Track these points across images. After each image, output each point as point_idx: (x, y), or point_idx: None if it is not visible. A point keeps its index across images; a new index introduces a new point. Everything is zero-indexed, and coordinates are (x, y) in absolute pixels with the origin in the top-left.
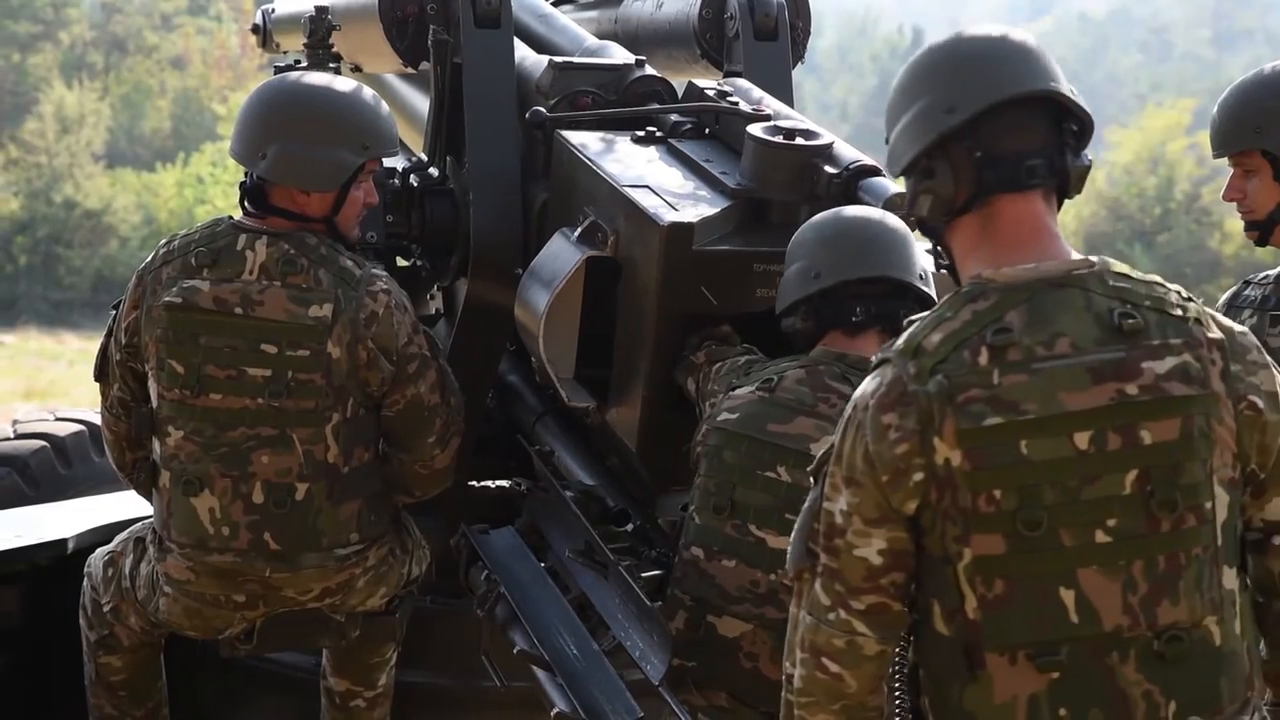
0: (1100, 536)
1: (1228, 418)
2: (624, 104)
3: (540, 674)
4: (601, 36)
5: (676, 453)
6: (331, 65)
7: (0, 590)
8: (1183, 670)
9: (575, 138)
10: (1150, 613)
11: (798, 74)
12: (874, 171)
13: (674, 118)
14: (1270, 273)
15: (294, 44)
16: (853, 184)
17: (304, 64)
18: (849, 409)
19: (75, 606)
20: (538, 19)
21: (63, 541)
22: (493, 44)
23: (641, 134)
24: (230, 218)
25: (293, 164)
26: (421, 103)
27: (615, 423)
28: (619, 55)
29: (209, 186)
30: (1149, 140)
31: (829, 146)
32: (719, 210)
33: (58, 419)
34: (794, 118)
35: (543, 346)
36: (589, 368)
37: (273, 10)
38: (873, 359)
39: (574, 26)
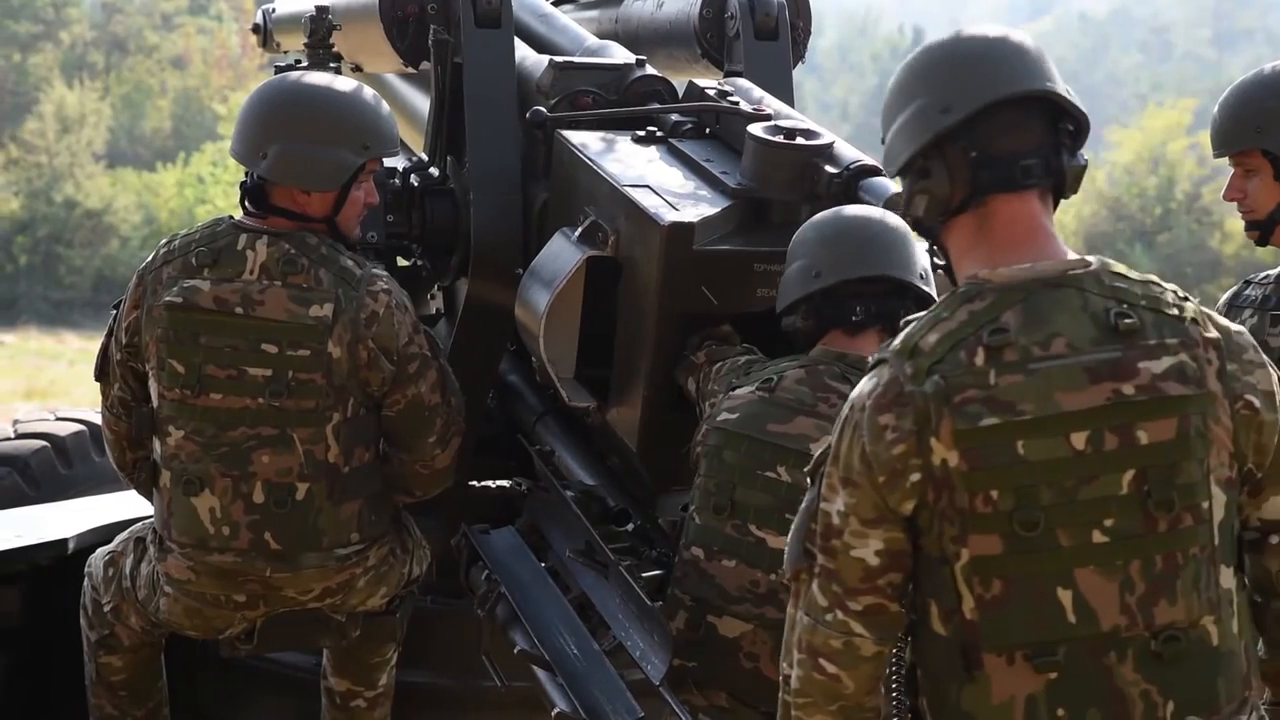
0: (1097, 536)
1: (1224, 417)
2: (624, 104)
3: (541, 674)
4: (602, 36)
5: (677, 452)
6: (332, 65)
7: (1, 590)
8: (1180, 670)
9: (576, 137)
10: (1148, 613)
11: (798, 74)
12: (874, 171)
13: (674, 117)
14: (1271, 272)
15: (294, 44)
16: (853, 184)
17: (304, 64)
18: (846, 409)
19: (76, 606)
20: (538, 19)
21: (63, 541)
22: (493, 44)
23: (642, 134)
24: (231, 217)
25: (293, 164)
26: (422, 102)
27: (616, 422)
28: (619, 55)
29: (209, 186)
30: (1149, 140)
31: (829, 146)
32: (719, 210)
33: (58, 419)
34: (794, 117)
35: (543, 346)
36: (589, 367)
37: (273, 10)
38: (870, 359)
39: (574, 26)
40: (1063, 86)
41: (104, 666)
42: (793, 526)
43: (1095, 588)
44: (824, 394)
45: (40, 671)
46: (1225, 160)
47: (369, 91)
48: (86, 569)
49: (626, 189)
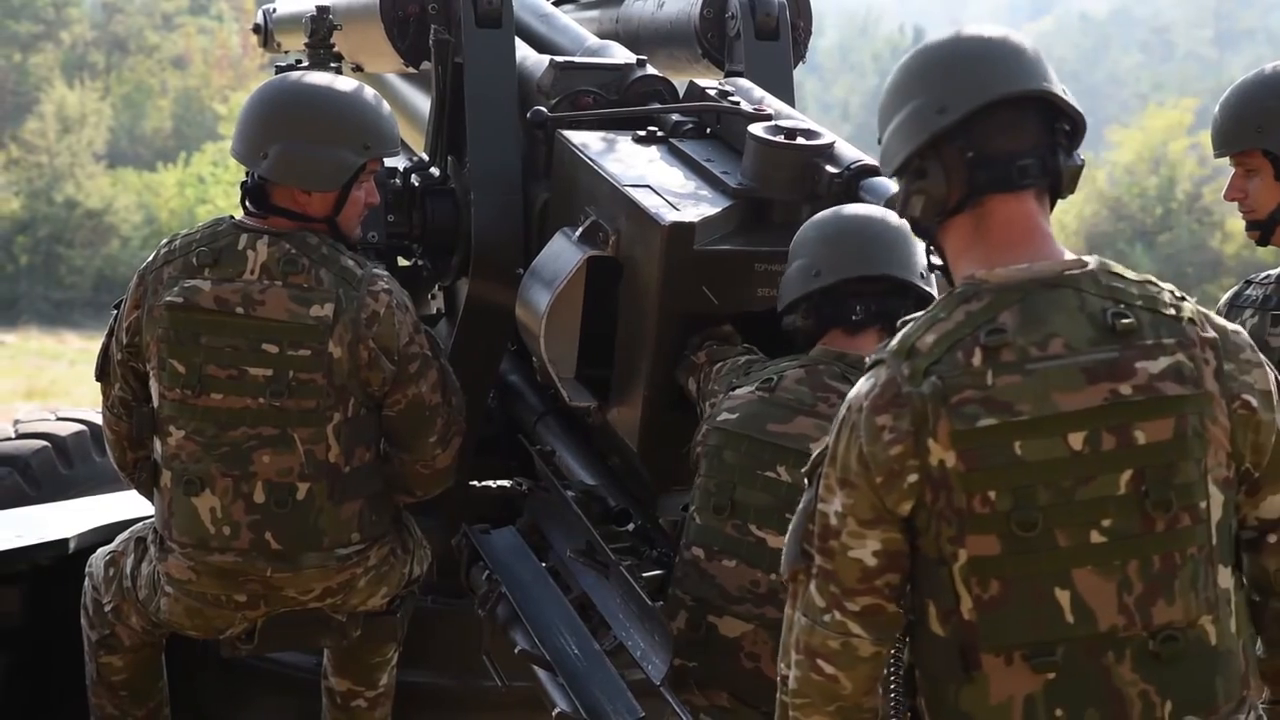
0: (1095, 537)
1: (1221, 417)
2: (625, 104)
3: (541, 674)
4: (603, 36)
5: (677, 452)
6: (333, 65)
7: (1, 590)
8: (1178, 670)
9: (576, 137)
10: (1145, 612)
11: (799, 73)
12: (875, 171)
13: (675, 117)
14: (1272, 272)
15: (295, 44)
16: (854, 183)
17: (305, 64)
18: (843, 410)
19: (76, 606)
20: (539, 19)
21: (64, 541)
22: (494, 44)
23: (643, 134)
24: (231, 217)
25: (294, 164)
26: (423, 102)
27: (616, 422)
28: (620, 55)
29: (210, 186)
30: (1150, 140)
31: (830, 146)
32: (720, 210)
33: (59, 419)
34: (795, 117)
35: (544, 346)
36: (590, 367)
37: (274, 10)
38: (867, 360)
39: (575, 26)
40: (1059, 86)
41: (105, 666)
42: (790, 527)
43: (1093, 588)
44: (824, 394)
45: (41, 671)
46: (1226, 160)
47: (370, 91)
48: (87, 569)
49: (627, 189)
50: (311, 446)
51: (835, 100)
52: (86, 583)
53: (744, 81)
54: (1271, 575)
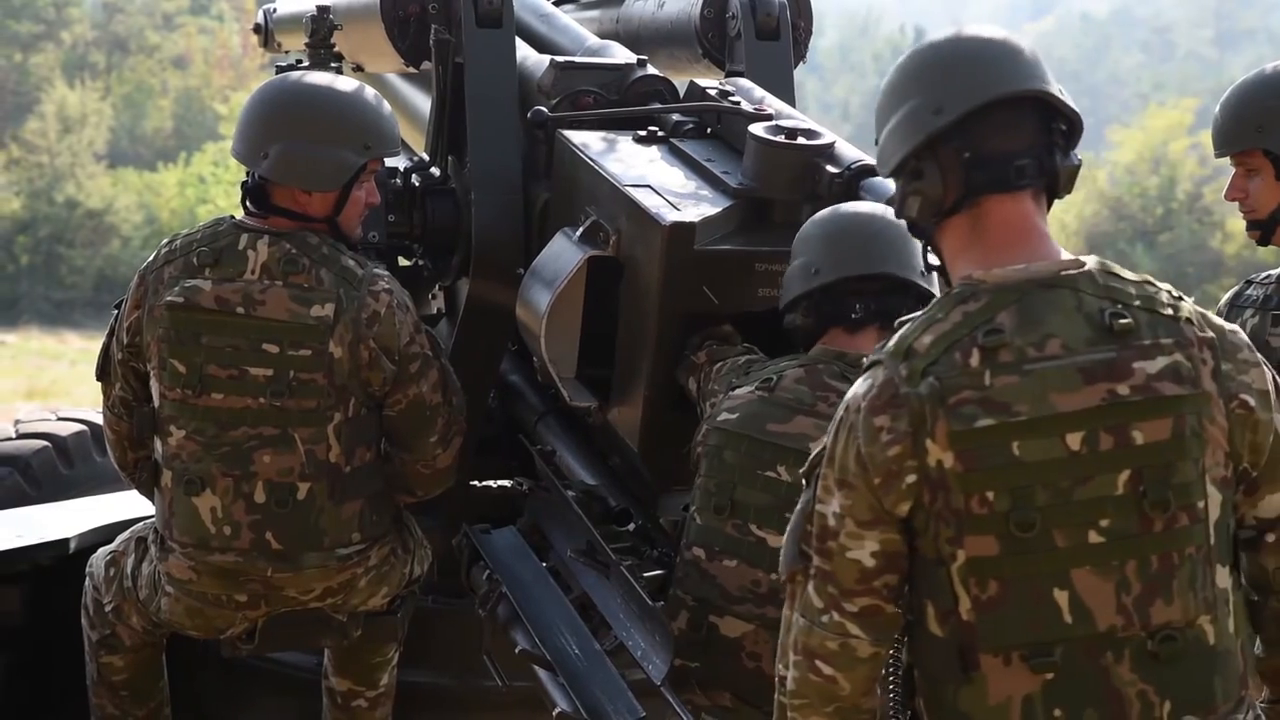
0: (1093, 537)
1: (1219, 417)
2: (626, 104)
3: (542, 674)
4: (603, 36)
5: (678, 452)
6: (333, 65)
7: (2, 590)
8: (1177, 670)
9: (577, 137)
10: (1144, 612)
11: (799, 73)
12: (876, 171)
13: (676, 117)
14: (1272, 272)
15: (296, 43)
16: (854, 183)
17: (306, 64)
18: (841, 411)
19: (77, 606)
20: (539, 19)
21: (64, 541)
22: (494, 44)
23: (643, 134)
24: (232, 217)
25: (295, 164)
26: (423, 102)
27: (617, 422)
28: (621, 55)
29: (211, 186)
30: (1151, 140)
31: (831, 146)
32: (721, 210)
33: (59, 419)
34: (796, 117)
35: (544, 346)
36: (591, 367)
37: (274, 10)
38: (864, 360)
39: (575, 26)
40: (1055, 86)
41: (105, 666)
42: (788, 528)
43: (1091, 588)
44: (823, 393)
45: (41, 671)
46: (1227, 160)
47: (370, 91)
48: (88, 569)
49: (628, 189)
50: (312, 446)
51: (836, 100)
52: (87, 583)
53: (744, 81)
54: (1270, 574)
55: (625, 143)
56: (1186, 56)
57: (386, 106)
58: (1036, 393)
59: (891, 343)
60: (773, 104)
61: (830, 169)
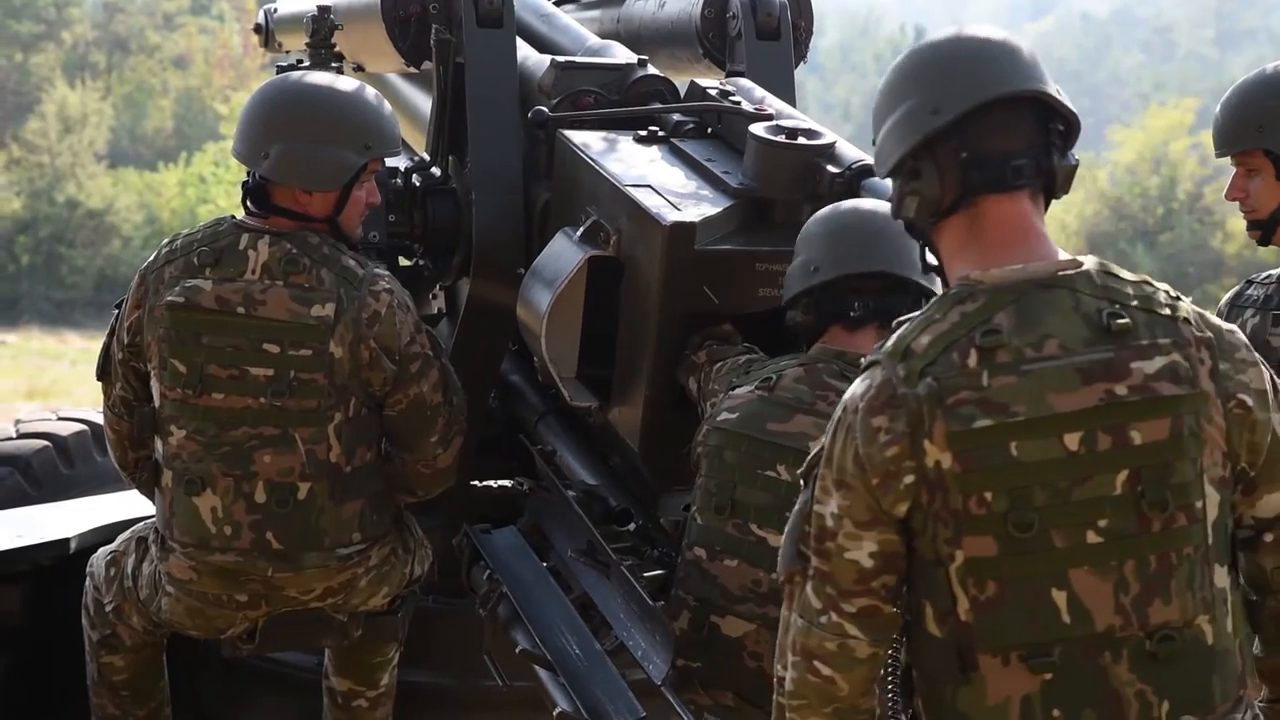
0: (1091, 537)
1: (1217, 416)
2: (626, 103)
3: (542, 673)
4: (604, 36)
5: (678, 452)
6: (334, 65)
7: (2, 590)
8: (1175, 670)
9: (577, 137)
10: (1142, 612)
11: (800, 73)
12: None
13: (676, 117)
14: (1273, 272)
15: (296, 43)
16: (855, 183)
17: (306, 63)
18: (838, 411)
19: (77, 606)
20: (540, 18)
21: (65, 541)
22: (495, 43)
23: (644, 133)
24: (232, 217)
25: (295, 164)
26: (424, 102)
27: (617, 422)
28: (621, 55)
29: (211, 186)
30: (1151, 140)
31: (831, 146)
32: (721, 210)
33: (60, 419)
34: (796, 117)
35: (545, 346)
36: (591, 367)
37: (275, 10)
38: (862, 360)
39: (576, 26)
40: (1053, 86)
41: (106, 666)
42: (786, 528)
43: (1090, 588)
44: (823, 392)
45: (42, 671)
46: (1227, 160)
47: (371, 91)
48: (88, 569)
49: (628, 189)
50: (313, 446)
51: (836, 100)
52: (88, 582)
53: (745, 81)
54: (1268, 574)
55: (626, 143)
56: (1187, 56)
57: (387, 106)
58: (1034, 393)
59: (889, 343)
60: (773, 104)
61: (831, 169)
